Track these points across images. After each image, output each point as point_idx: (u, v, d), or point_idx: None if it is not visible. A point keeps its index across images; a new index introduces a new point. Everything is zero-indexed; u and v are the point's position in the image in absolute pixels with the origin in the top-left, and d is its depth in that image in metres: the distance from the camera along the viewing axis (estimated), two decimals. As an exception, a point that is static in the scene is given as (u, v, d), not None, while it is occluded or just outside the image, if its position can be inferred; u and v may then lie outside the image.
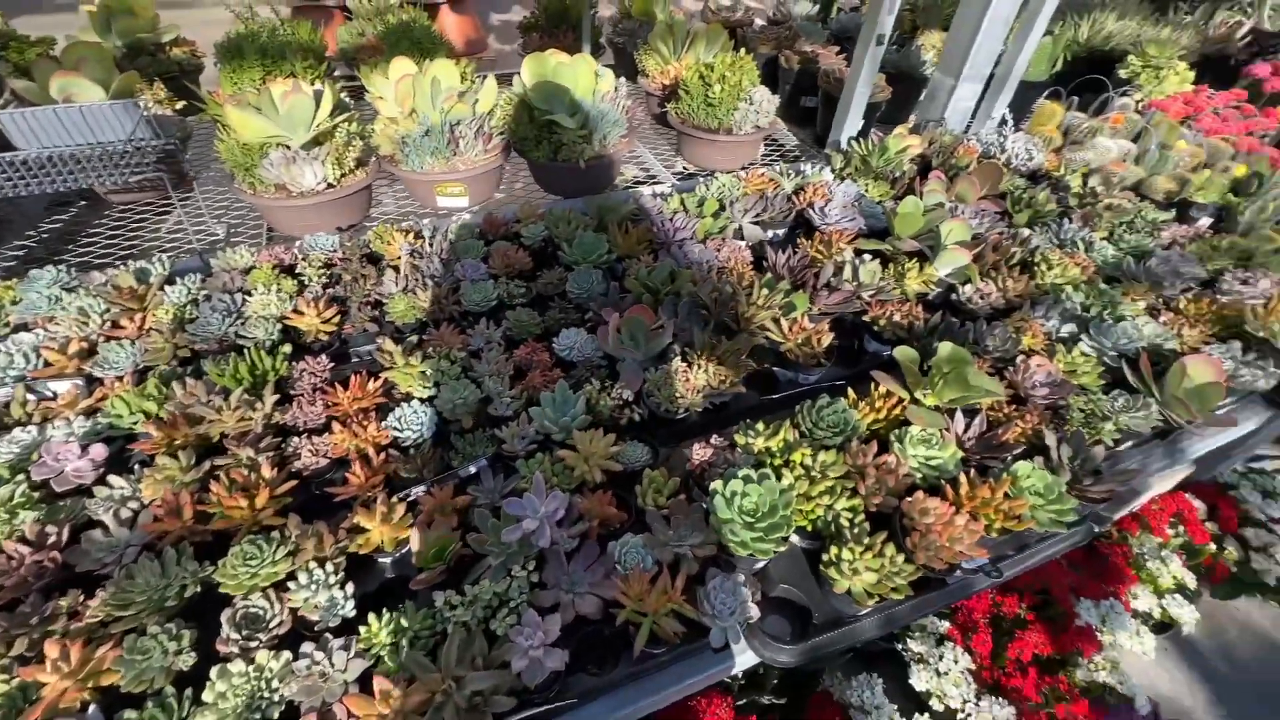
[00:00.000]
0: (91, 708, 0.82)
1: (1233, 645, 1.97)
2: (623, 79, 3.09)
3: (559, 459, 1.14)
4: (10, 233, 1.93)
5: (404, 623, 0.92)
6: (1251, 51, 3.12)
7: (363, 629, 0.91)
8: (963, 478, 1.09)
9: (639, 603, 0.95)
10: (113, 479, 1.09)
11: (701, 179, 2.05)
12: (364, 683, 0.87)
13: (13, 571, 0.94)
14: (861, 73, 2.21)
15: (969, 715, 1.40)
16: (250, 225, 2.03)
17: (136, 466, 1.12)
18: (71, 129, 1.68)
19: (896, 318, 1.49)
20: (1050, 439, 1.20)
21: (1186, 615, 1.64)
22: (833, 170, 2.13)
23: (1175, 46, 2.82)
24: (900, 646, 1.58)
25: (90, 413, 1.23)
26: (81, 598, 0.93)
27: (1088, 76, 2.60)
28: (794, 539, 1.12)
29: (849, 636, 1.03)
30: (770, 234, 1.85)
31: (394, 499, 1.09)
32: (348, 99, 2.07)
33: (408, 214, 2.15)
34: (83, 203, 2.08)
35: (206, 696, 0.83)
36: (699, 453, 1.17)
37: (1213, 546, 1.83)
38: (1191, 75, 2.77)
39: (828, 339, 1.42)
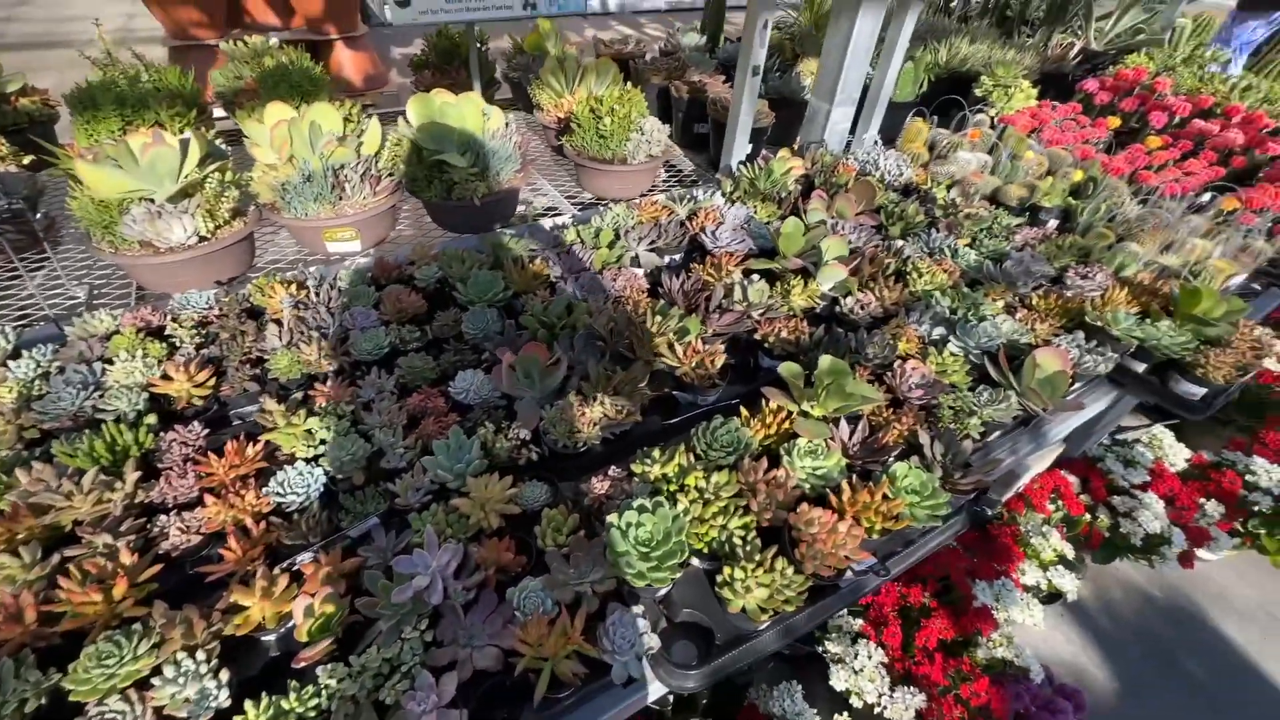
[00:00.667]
0: None
1: (1117, 604, 2.16)
2: (519, 113, 3.14)
3: (453, 508, 1.12)
4: None
5: (285, 705, 0.87)
6: (1084, 69, 3.54)
7: (239, 717, 0.85)
8: (845, 485, 1.15)
9: (538, 648, 0.94)
10: (-61, 587, 0.97)
11: (600, 209, 2.10)
12: (240, 778, 0.81)
13: None
14: (743, 101, 2.33)
15: (884, 708, 1.46)
16: (118, 286, 1.88)
17: (-31, 572, 1.01)
18: (-112, 194, 1.52)
19: (784, 334, 1.56)
20: (924, 438, 1.29)
21: (1068, 584, 1.79)
22: (723, 194, 2.23)
23: (1020, 66, 3.15)
24: (820, 649, 1.64)
25: (-87, 513, 1.09)
26: (-102, 730, 0.82)
27: (948, 96, 2.86)
28: (695, 562, 1.14)
29: (751, 653, 1.06)
30: (667, 259, 1.91)
31: (275, 570, 1.03)
32: (224, 146, 1.97)
33: (298, 262, 2.06)
34: (-87, 272, 1.87)
35: (51, 823, 0.75)
36: (598, 485, 1.18)
37: (1088, 516, 2.01)
38: (1035, 92, 3.10)
39: (721, 359, 1.47)
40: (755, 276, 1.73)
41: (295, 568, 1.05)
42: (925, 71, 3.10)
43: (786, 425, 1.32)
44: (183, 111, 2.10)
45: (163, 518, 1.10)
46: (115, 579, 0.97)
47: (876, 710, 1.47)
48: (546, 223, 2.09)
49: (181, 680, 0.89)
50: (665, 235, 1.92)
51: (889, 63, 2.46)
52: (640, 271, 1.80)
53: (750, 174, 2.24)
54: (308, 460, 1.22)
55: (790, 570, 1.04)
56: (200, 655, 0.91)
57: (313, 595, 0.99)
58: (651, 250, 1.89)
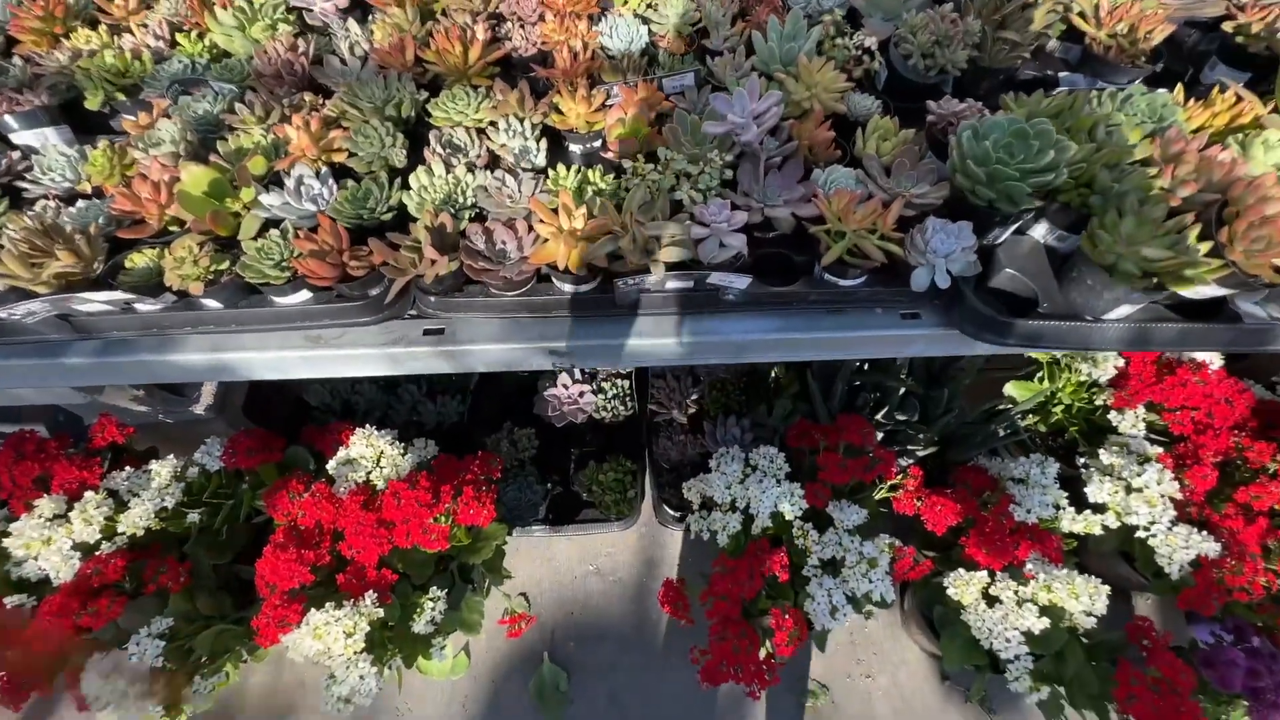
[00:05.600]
0: (323, 169, 0.91)
1: None
2: None
3: (778, 82, 0.99)
4: None
5: (590, 177, 0.89)
6: None
7: (551, 172, 0.90)
8: (1343, 183, 0.77)
9: (838, 221, 0.83)
10: (351, 23, 1.14)
11: None
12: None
13: (271, 63, 1.04)
14: None
15: (1156, 535, 1.19)
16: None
17: (369, 18, 1.16)
18: None
19: (1256, 29, 1.05)
20: None
21: None
22: None
23: None
24: (1082, 461, 1.36)
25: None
26: (321, 100, 1.02)
27: None
28: (1039, 234, 0.91)
29: (1078, 336, 0.84)
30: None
31: (594, 90, 1.02)
32: None
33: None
34: None
35: (411, 183, 0.89)
36: (945, 106, 0.95)
37: None
38: None
39: (1163, 32, 1.05)
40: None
41: (612, 96, 1.04)
42: None
43: (1244, 121, 0.92)
44: None
45: (508, 25, 1.14)
46: (471, 43, 1.04)
47: (1141, 534, 1.21)
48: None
49: (510, 133, 0.95)
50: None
51: None
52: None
53: None
54: (635, 14, 1.16)
55: (1204, 245, 0.75)
56: (527, 124, 0.97)
57: (625, 111, 0.98)
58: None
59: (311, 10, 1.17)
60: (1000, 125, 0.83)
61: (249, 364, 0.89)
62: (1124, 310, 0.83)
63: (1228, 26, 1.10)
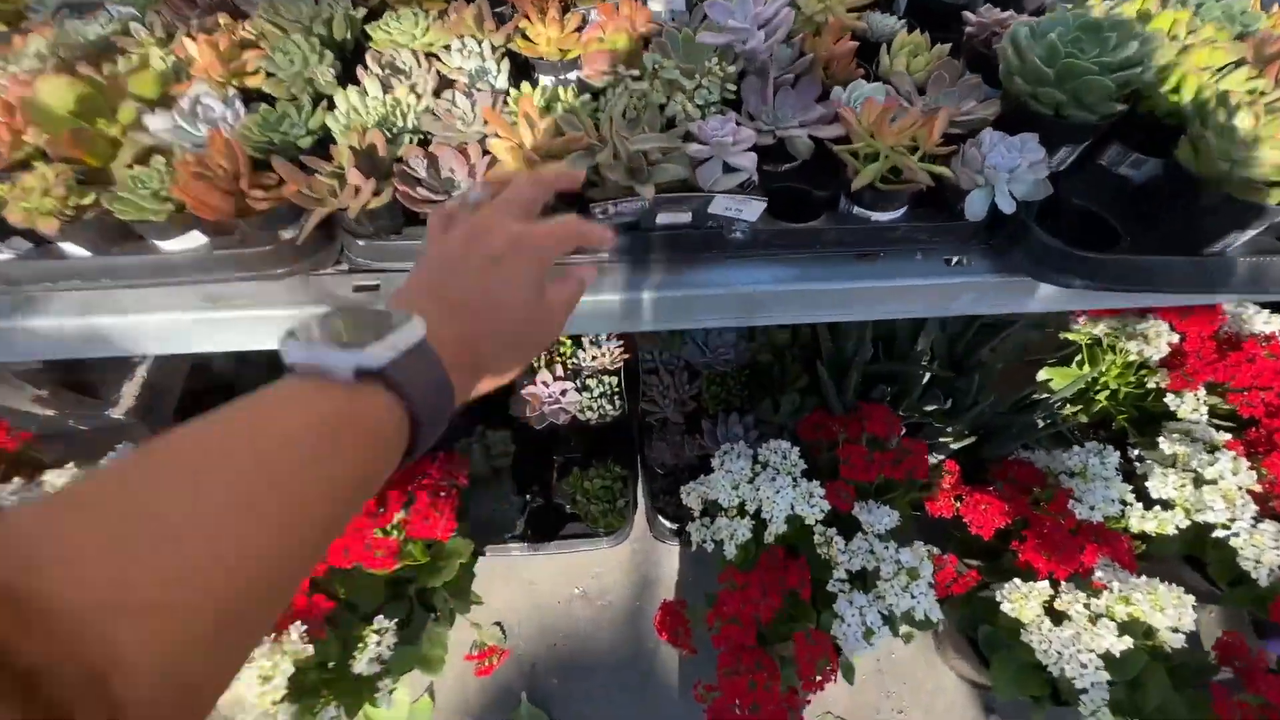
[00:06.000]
0: (231, 93, 0.74)
1: None
2: None
3: (783, -6, 0.84)
4: None
5: (562, 95, 0.73)
6: None
7: (513, 91, 0.73)
8: None
9: (870, 139, 0.67)
10: (285, -49, 0.98)
11: None
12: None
13: (182, -17, 0.87)
14: None
15: (1239, 534, 1.01)
16: None
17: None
18: None
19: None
20: None
21: None
22: None
23: None
24: (1137, 453, 1.19)
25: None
26: (239, 24, 0.85)
27: None
28: (1109, 160, 0.75)
29: (1178, 275, 0.67)
30: None
31: (568, 14, 0.87)
32: None
33: None
34: None
35: (338, 103, 0.71)
36: (986, 14, 0.80)
37: None
38: None
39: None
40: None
41: (590, 20, 0.88)
42: None
43: (1340, 27, 0.77)
44: None
45: (469, -47, 0.99)
46: (422, -40, 0.88)
47: (1220, 533, 1.03)
48: None
49: (465, 54, 0.79)
50: None
51: None
52: None
53: None
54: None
55: (1338, 150, 0.59)
56: (486, 45, 0.80)
57: (604, 30, 0.82)
58: None
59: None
60: (1063, 19, 0.67)
61: (131, 331, 0.71)
62: (1228, 241, 0.66)
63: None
